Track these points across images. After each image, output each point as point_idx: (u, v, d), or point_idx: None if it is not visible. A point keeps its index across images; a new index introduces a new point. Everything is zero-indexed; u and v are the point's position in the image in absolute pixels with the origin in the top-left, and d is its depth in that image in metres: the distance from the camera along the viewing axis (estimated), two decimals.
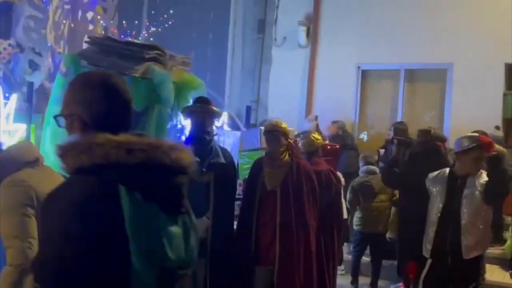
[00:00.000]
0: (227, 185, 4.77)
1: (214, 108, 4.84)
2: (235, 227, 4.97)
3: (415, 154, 4.99)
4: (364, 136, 9.75)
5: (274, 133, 4.74)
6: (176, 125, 5.18)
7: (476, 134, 4.49)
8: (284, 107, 10.55)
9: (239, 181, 6.77)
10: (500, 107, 9.23)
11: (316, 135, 5.44)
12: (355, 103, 10.37)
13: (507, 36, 9.04)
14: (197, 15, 12.27)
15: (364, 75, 10.47)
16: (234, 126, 8.13)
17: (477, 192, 4.32)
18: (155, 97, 4.88)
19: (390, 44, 9.89)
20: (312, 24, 10.66)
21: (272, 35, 11.06)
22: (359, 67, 10.40)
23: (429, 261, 4.41)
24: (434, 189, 4.48)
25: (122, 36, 6.55)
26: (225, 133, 7.68)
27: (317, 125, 9.27)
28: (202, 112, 4.58)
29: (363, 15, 10.19)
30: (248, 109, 7.68)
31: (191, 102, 5.10)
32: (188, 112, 4.72)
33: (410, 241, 4.71)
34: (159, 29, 9.02)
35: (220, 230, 4.59)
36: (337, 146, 6.50)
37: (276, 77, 11.06)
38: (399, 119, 9.66)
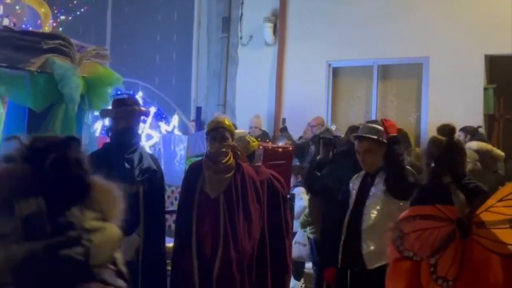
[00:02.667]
0: (158, 196, 4.15)
1: (142, 108, 4.26)
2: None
3: (340, 154, 4.21)
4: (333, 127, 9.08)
5: (220, 130, 4.07)
6: (88, 127, 4.48)
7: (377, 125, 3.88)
8: (252, 109, 9.84)
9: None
10: (481, 102, 8.53)
11: (252, 137, 4.72)
12: (326, 103, 9.66)
13: (486, 25, 8.36)
14: (161, 16, 11.57)
15: (335, 72, 9.77)
16: (185, 130, 7.44)
17: (383, 189, 3.66)
18: (59, 94, 4.19)
19: (361, 39, 9.21)
20: (278, 21, 9.97)
21: (237, 33, 10.37)
22: (329, 65, 9.70)
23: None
24: (353, 191, 3.79)
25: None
26: (175, 137, 7.02)
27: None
28: (131, 116, 3.93)
29: (332, 10, 9.50)
30: (199, 110, 6.99)
31: (109, 100, 4.45)
32: (112, 116, 4.04)
33: (329, 254, 3.95)
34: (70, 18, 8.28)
35: (152, 249, 3.97)
36: (290, 148, 5.78)
37: (243, 78, 10.37)
38: (373, 118, 8.99)
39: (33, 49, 4.14)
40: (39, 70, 4.11)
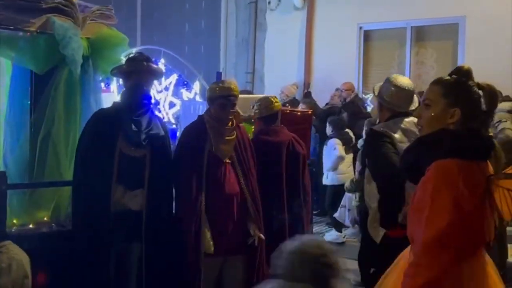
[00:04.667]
0: (165, 162, 3.96)
1: (155, 66, 4.07)
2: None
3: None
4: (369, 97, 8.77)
5: (231, 98, 3.90)
6: (94, 91, 4.34)
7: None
8: (281, 76, 9.63)
9: None
10: None
11: (275, 98, 4.56)
12: (357, 68, 9.37)
13: None
14: None
15: (367, 36, 9.43)
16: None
17: None
18: (62, 56, 4.06)
19: None
20: None
21: None
22: (361, 28, 9.37)
23: None
24: None
25: None
26: (196, 104, 6.90)
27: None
28: (141, 72, 3.79)
29: None
30: (218, 75, 6.80)
31: (116, 62, 4.29)
32: (122, 73, 3.91)
33: None
34: None
35: (157, 208, 3.78)
36: (310, 112, 5.56)
37: (272, 44, 10.14)
38: None
39: (33, 9, 3.98)
40: (38, 31, 3.97)
